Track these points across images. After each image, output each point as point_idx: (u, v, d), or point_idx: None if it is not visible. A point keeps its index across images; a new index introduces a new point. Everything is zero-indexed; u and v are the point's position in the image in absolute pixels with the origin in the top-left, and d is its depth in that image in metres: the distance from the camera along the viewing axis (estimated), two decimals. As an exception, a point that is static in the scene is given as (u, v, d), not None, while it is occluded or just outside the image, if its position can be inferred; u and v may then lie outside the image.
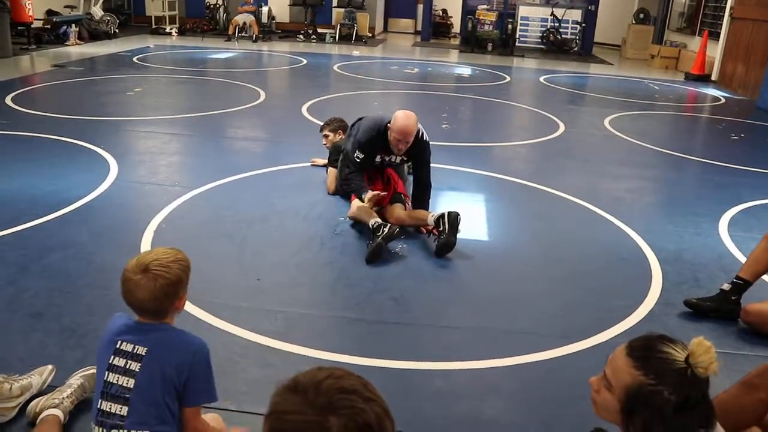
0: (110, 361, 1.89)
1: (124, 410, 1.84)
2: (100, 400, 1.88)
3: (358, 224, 4.34)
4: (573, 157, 6.73)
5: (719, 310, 3.44)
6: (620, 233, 4.58)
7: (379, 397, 1.11)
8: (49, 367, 2.61)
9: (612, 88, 11.48)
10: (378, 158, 4.42)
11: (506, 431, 2.58)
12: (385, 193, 4.41)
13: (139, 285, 1.86)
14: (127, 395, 1.84)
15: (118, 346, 1.90)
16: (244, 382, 2.74)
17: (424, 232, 4.30)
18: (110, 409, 1.85)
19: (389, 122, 4.24)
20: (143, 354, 1.87)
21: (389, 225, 4.06)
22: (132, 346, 1.89)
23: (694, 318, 3.47)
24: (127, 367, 1.87)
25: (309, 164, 5.66)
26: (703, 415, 1.53)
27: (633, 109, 9.51)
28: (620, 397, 1.57)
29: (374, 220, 4.10)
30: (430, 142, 4.47)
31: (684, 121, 9.71)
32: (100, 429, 1.87)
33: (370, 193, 4.24)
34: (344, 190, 4.71)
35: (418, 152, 4.37)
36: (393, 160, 4.45)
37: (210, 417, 2.17)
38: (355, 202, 4.36)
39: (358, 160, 4.36)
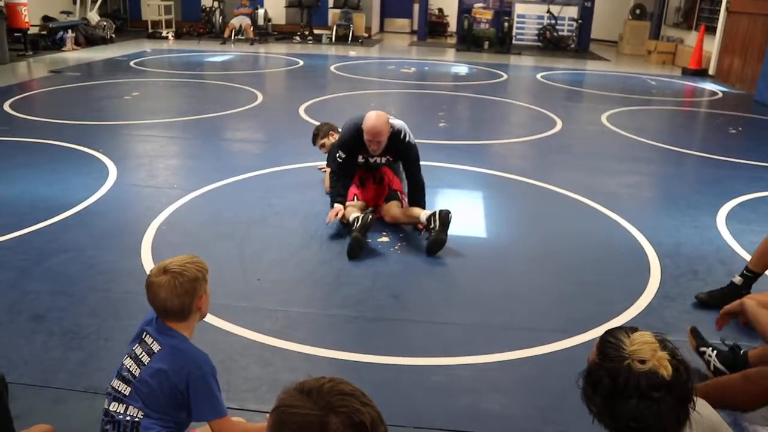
0: (133, 348, 2.09)
1: (128, 390, 2.05)
2: (114, 379, 2.10)
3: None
4: (570, 153, 6.75)
5: (730, 302, 3.46)
6: (618, 228, 4.60)
7: (375, 405, 1.24)
8: None
9: (609, 84, 11.49)
10: (361, 158, 4.45)
11: (506, 425, 2.60)
12: (342, 213, 4.35)
13: (161, 285, 2.01)
14: (131, 380, 2.04)
15: (143, 337, 2.09)
16: (245, 380, 2.77)
17: (420, 228, 4.31)
18: (118, 387, 2.07)
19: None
20: (156, 351, 2.04)
21: (362, 215, 4.10)
22: (151, 340, 2.06)
23: (693, 311, 3.49)
24: (140, 357, 2.06)
25: (307, 165, 5.67)
26: (655, 414, 1.52)
27: (630, 105, 9.52)
28: (585, 370, 1.66)
29: (353, 215, 4.15)
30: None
31: (681, 115, 9.74)
32: (107, 399, 2.10)
33: (331, 213, 4.32)
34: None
35: (401, 153, 4.40)
36: (376, 160, 4.47)
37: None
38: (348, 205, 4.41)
39: (340, 160, 4.41)
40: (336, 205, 4.35)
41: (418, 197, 4.46)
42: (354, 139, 4.32)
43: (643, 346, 1.54)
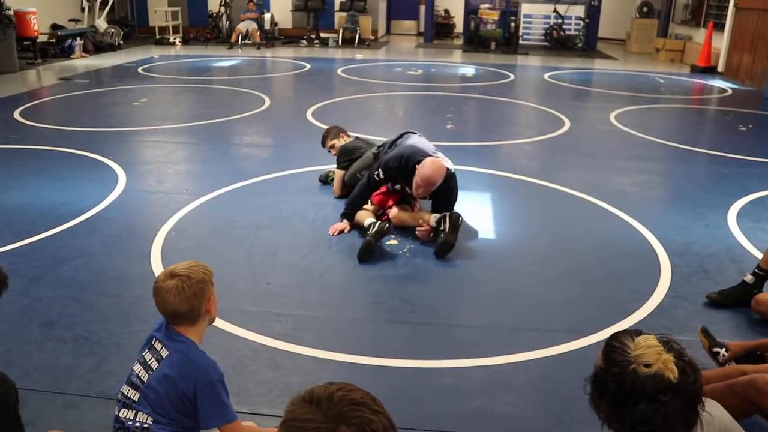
0: (142, 354, 2.11)
1: (136, 396, 2.07)
2: (124, 385, 2.12)
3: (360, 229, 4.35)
4: (579, 153, 6.72)
5: (742, 301, 3.44)
6: (628, 227, 4.58)
7: (386, 411, 1.20)
8: None
9: (617, 83, 11.44)
10: (398, 186, 4.44)
11: (518, 426, 2.59)
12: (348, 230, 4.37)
13: (170, 289, 2.02)
14: (140, 386, 2.06)
15: (152, 343, 2.10)
16: (256, 384, 2.77)
17: (423, 233, 4.22)
18: (128, 393, 2.09)
19: (419, 161, 4.17)
20: (164, 357, 2.06)
21: (379, 222, 4.09)
22: (160, 345, 2.08)
23: (704, 310, 3.46)
24: (149, 363, 2.07)
25: (315, 168, 5.67)
26: (664, 417, 1.51)
27: (639, 104, 9.48)
28: (592, 376, 1.66)
29: (369, 220, 4.14)
30: (438, 143, 4.49)
31: (691, 113, 9.68)
32: (117, 406, 2.12)
33: (336, 227, 4.33)
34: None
35: (443, 183, 4.27)
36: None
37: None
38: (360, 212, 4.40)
39: (377, 179, 4.31)
40: (344, 221, 4.37)
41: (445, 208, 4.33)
42: (401, 171, 4.24)
43: (647, 350, 1.53)
